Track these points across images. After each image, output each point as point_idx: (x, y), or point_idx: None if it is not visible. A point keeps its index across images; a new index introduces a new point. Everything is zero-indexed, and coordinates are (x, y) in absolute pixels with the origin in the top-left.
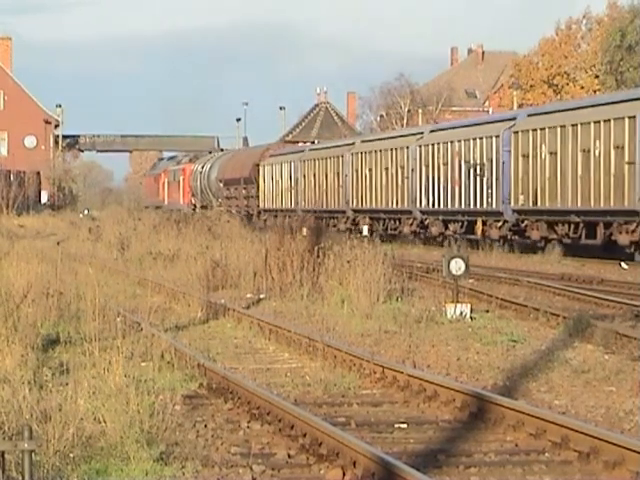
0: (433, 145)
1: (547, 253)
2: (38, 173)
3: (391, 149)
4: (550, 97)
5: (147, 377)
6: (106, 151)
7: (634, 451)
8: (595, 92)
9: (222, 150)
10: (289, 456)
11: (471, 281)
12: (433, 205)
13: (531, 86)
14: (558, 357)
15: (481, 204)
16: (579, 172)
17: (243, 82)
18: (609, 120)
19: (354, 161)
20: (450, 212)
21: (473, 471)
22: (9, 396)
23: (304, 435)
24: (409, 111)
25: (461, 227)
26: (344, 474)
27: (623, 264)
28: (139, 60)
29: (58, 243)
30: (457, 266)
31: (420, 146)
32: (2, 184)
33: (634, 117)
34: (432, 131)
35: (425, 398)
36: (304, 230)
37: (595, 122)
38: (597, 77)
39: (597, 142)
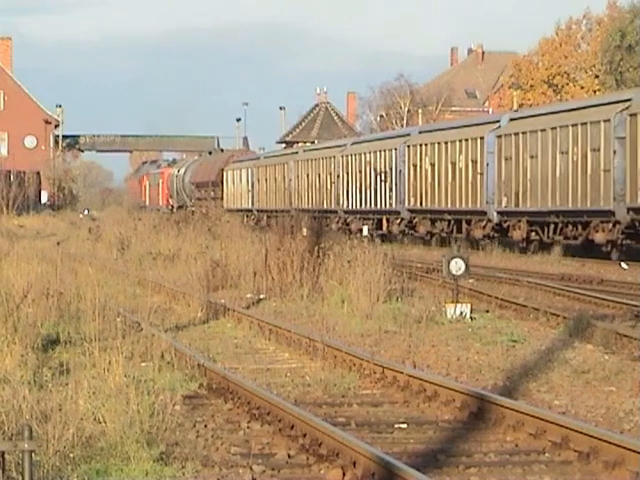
0: (352, 155)
1: (547, 253)
2: (38, 173)
3: (323, 158)
4: (550, 97)
5: (147, 377)
6: (106, 151)
7: (634, 451)
8: (595, 92)
9: (222, 150)
10: (289, 456)
11: (471, 281)
12: (353, 206)
13: (531, 86)
14: (558, 357)
15: (385, 205)
16: (449, 180)
17: (243, 82)
18: (468, 139)
19: (296, 168)
20: (365, 212)
21: (473, 471)
22: (9, 396)
23: (304, 435)
24: (409, 111)
25: (373, 224)
26: (344, 474)
27: (623, 264)
28: (139, 60)
29: (58, 243)
30: (457, 266)
31: (343, 156)
32: (2, 184)
33: (483, 138)
34: (353, 143)
35: (425, 398)
36: (304, 230)
37: (459, 140)
38: (597, 77)
39: (460, 156)
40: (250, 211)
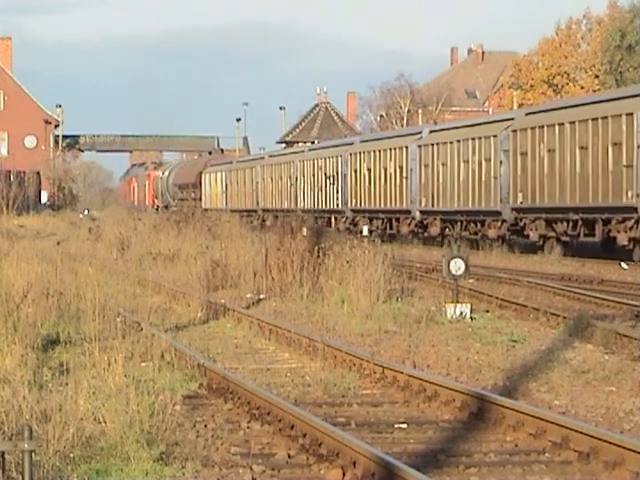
0: (307, 161)
1: (547, 253)
2: (38, 173)
3: (284, 163)
4: (550, 97)
5: (147, 377)
6: (106, 151)
7: (634, 451)
8: (595, 92)
9: (222, 151)
10: (289, 456)
11: (471, 281)
12: (308, 206)
13: (531, 86)
14: (558, 357)
15: (332, 205)
16: (382, 183)
17: (243, 82)
18: (396, 148)
19: (262, 172)
20: (318, 211)
21: (473, 471)
22: (9, 396)
23: (304, 435)
24: (409, 111)
25: (324, 221)
26: (344, 474)
27: (623, 264)
28: (139, 60)
29: (58, 243)
30: (457, 266)
31: (300, 161)
32: (2, 184)
33: (407, 147)
34: (309, 150)
35: (425, 398)
36: (304, 230)
37: (389, 149)
38: (597, 77)
39: (390, 162)
40: (224, 210)
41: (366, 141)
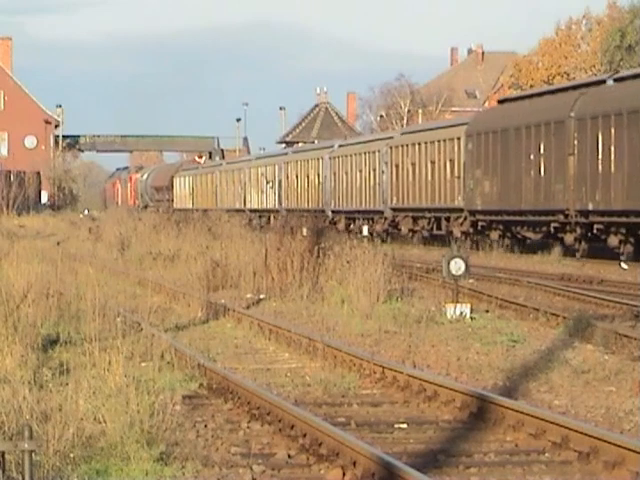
0: (253, 168)
1: (547, 253)
2: (38, 173)
3: (236, 170)
4: None
5: (147, 377)
6: (106, 151)
7: (634, 451)
8: None
9: (222, 151)
10: (289, 456)
11: (471, 281)
12: (253, 206)
13: (531, 86)
14: (558, 357)
15: (271, 205)
16: (305, 187)
17: (243, 82)
18: (314, 159)
19: (219, 177)
20: (261, 210)
21: (473, 471)
22: (9, 396)
23: (304, 435)
24: (409, 111)
25: (266, 219)
26: (344, 474)
27: (623, 264)
28: (140, 60)
29: (58, 243)
30: (457, 266)
31: (247, 168)
32: (2, 184)
33: (323, 158)
34: (256, 158)
35: (425, 398)
36: (304, 230)
37: (310, 159)
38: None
39: (311, 170)
40: (190, 210)
41: (296, 152)
